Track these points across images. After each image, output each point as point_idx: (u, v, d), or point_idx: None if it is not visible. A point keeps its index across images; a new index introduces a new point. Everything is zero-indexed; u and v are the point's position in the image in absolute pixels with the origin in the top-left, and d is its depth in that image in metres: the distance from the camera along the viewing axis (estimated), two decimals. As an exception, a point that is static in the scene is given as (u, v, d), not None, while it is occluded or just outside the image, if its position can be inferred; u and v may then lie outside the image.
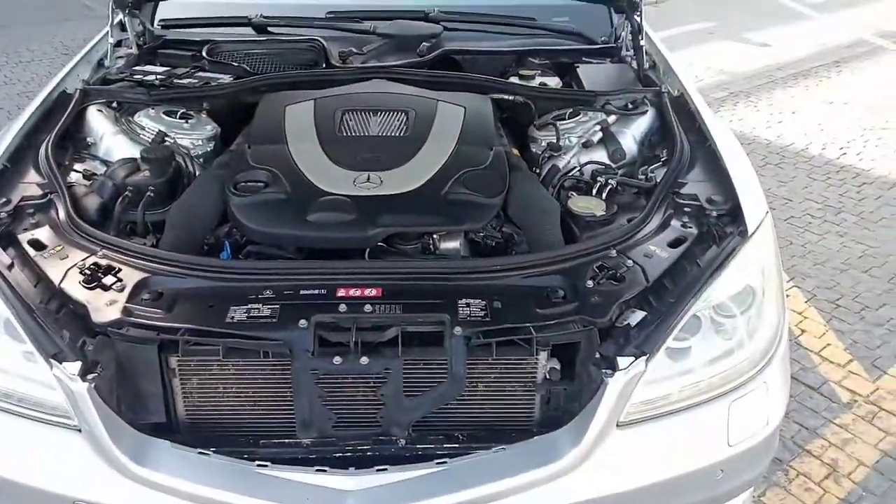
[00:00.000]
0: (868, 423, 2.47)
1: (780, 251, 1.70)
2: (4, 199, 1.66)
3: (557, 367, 1.50)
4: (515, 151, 2.07)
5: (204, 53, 2.46)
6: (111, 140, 2.01)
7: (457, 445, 1.49)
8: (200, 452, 1.40)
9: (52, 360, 1.34)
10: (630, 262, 1.55)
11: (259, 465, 1.39)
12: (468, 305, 1.44)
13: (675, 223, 1.66)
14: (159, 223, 1.78)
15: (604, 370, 1.39)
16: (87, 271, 1.49)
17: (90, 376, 1.34)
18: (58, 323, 1.41)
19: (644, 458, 1.47)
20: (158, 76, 2.28)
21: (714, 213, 1.64)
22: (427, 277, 1.52)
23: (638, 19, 2.40)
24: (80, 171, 1.89)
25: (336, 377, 1.44)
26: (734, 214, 1.63)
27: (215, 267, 1.54)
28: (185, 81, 2.27)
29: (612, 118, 2.13)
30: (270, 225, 1.69)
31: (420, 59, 2.42)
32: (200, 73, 2.34)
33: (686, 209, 1.68)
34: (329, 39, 2.50)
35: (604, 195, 1.86)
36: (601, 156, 2.03)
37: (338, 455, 1.47)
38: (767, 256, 1.61)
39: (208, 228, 1.76)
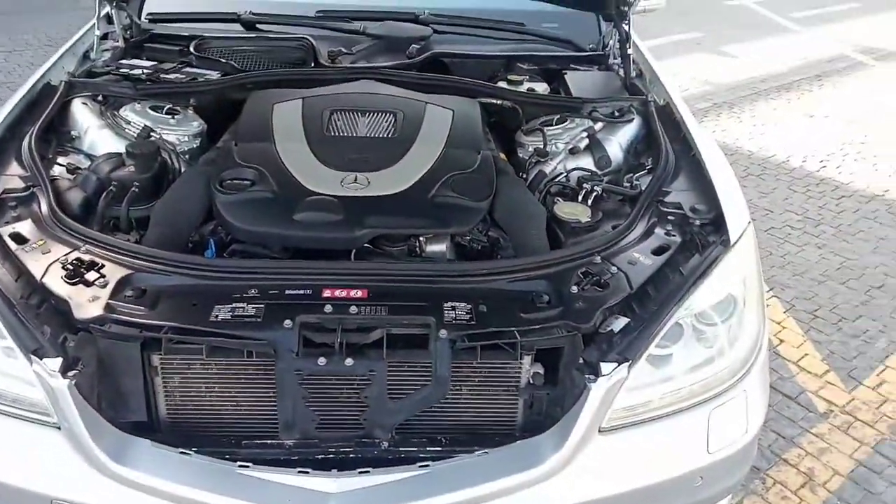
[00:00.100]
0: (843, 433, 2.51)
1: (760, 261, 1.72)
2: None
3: (541, 371, 1.50)
4: (502, 156, 2.08)
5: (191, 49, 2.44)
6: (96, 134, 1.99)
7: (439, 448, 1.49)
8: (181, 452, 1.39)
9: (32, 356, 1.33)
10: (614, 269, 1.56)
11: (241, 466, 1.38)
12: (454, 309, 1.44)
13: (658, 231, 1.68)
14: (143, 219, 1.76)
15: (587, 375, 1.39)
16: (70, 266, 1.47)
17: (71, 373, 1.32)
18: (39, 318, 1.39)
19: (625, 464, 1.48)
20: (145, 70, 2.27)
21: (697, 222, 1.66)
22: (413, 280, 1.52)
23: (626, 28, 2.42)
24: (63, 165, 1.87)
25: (320, 378, 1.43)
26: (717, 224, 1.64)
27: (200, 265, 1.53)
28: (172, 76, 2.25)
29: (598, 125, 2.14)
30: (256, 223, 1.68)
31: (409, 61, 2.42)
32: (188, 69, 2.33)
33: (670, 217, 1.70)
34: (318, 38, 2.49)
35: (589, 202, 1.87)
36: (587, 162, 2.04)
37: (320, 457, 1.47)
38: (749, 266, 1.62)
39: (193, 226, 1.74)
